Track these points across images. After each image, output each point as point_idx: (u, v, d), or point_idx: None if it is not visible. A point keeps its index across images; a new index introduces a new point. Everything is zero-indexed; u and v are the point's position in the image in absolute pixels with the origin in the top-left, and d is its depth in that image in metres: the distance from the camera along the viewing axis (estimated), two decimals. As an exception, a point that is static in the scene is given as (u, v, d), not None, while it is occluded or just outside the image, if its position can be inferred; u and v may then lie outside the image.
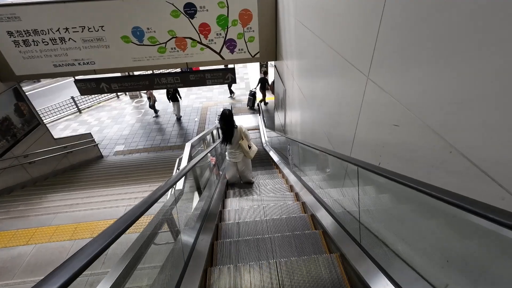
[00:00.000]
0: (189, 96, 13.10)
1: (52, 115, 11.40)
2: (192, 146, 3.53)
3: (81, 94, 7.30)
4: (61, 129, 10.96)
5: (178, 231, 2.13)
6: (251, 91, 11.58)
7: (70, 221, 3.85)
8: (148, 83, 7.23)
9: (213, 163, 4.03)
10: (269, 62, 13.74)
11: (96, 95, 12.72)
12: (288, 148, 4.22)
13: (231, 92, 12.69)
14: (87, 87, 7.12)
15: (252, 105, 11.46)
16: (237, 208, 3.24)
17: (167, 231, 2.02)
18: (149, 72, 6.60)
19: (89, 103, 12.61)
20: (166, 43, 5.43)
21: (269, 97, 12.41)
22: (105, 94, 13.08)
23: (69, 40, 5.17)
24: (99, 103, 12.89)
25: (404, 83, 1.34)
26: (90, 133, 8.58)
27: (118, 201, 4.33)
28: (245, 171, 4.20)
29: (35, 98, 13.80)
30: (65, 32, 5.07)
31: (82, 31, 5.10)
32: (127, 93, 13.34)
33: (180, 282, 1.65)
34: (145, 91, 10.37)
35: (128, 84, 7.15)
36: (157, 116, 11.36)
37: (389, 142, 1.55)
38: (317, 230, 2.42)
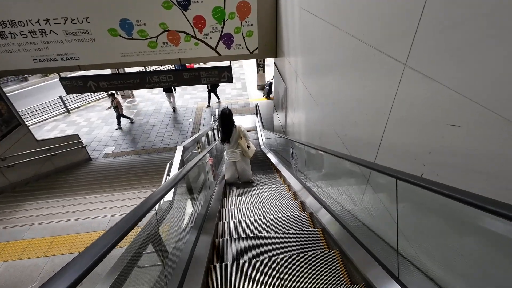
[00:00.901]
0: (184, 96, 12.66)
1: (39, 115, 10.85)
2: (185, 149, 3.13)
3: (67, 93, 6.81)
4: (48, 130, 10.42)
5: (166, 251, 1.75)
6: (268, 81, 11.87)
7: (46, 233, 3.40)
8: (139, 82, 6.81)
9: (211, 163, 3.66)
10: (266, 60, 13.38)
11: (86, 95, 12.19)
12: (291, 152, 3.85)
13: (217, 97, 11.65)
14: (74, 86, 6.67)
15: (267, 96, 11.87)
16: (235, 220, 2.84)
17: (153, 252, 1.64)
18: (141, 68, 6.17)
19: (79, 103, 12.08)
20: (157, 37, 5.02)
21: (266, 98, 12.05)
22: (96, 94, 12.55)
23: (50, 32, 4.72)
24: (89, 103, 12.36)
25: (472, 68, 0.97)
26: (77, 134, 8.09)
27: (102, 211, 3.90)
28: (244, 171, 4.19)
29: (22, 97, 13.22)
30: (45, 23, 4.62)
31: (64, 23, 4.66)
32: (118, 92, 12.83)
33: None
34: (112, 99, 9.32)
35: (118, 82, 6.71)
36: (132, 122, 10.61)
37: (440, 147, 1.17)
38: (338, 260, 2.04)
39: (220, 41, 5.20)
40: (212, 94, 11.31)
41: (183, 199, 2.91)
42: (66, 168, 7.15)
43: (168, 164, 3.39)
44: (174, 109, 11.31)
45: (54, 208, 4.17)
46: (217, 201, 3.31)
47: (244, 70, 15.46)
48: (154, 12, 4.74)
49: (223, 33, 5.12)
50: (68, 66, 5.14)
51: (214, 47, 5.26)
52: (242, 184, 4.39)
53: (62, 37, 4.79)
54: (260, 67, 12.22)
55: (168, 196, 2.40)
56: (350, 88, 2.04)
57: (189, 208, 2.92)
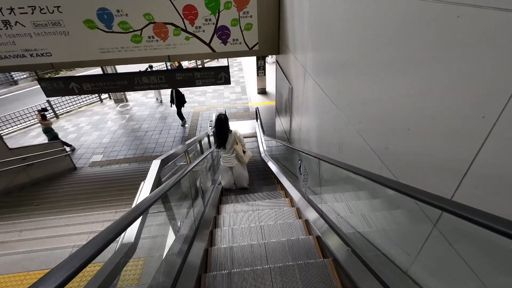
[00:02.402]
0: (180, 100, 11.98)
1: (24, 121, 10.16)
2: (164, 163, 2.41)
3: (47, 96, 6.14)
4: (33, 136, 9.73)
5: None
6: None
7: (-12, 271, 2.66)
8: (127, 83, 6.14)
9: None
10: (267, 61, 12.71)
11: (77, 99, 11.52)
12: (298, 164, 3.12)
13: (182, 117, 9.73)
14: (54, 88, 6.02)
15: None
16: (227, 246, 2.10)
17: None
18: (129, 70, 5.50)
19: (69, 108, 11.40)
20: (141, 30, 4.34)
21: (267, 102, 11.38)
22: (87, 98, 11.90)
23: (15, 24, 4.05)
24: (79, 108, 11.69)
25: None
26: (60, 141, 7.38)
27: (67, 239, 3.16)
28: (240, 176, 4.17)
29: (9, 102, 12.56)
30: (9, 13, 3.95)
31: (32, 13, 3.99)
32: (111, 96, 12.18)
33: None
34: (39, 118, 7.48)
35: (103, 84, 6.04)
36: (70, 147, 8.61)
37: None
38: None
39: (215, 35, 4.53)
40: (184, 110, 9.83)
41: (158, 233, 2.20)
42: (44, 179, 6.42)
43: (142, 184, 2.66)
44: (161, 101, 11.31)
45: (10, 233, 3.44)
46: (208, 225, 2.59)
47: (244, 73, 14.83)
48: (138, 0, 4.08)
49: (218, 25, 4.44)
50: (39, 64, 4.46)
51: (207, 42, 4.58)
52: (238, 195, 3.73)
53: (30, 29, 4.11)
54: (261, 69, 11.56)
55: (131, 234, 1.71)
56: (404, 75, 1.33)
57: (170, 239, 2.23)
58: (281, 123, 5.48)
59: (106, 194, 5.26)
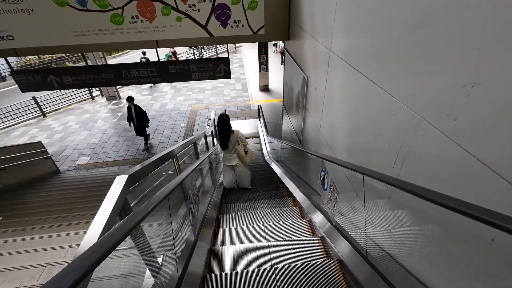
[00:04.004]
0: (176, 98, 11.24)
1: (7, 119, 9.38)
2: (133, 181, 1.63)
3: (22, 91, 5.36)
4: (16, 136, 8.97)
5: None
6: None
7: None
8: (113, 77, 5.40)
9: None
10: (275, 47, 11.80)
11: (66, 95, 10.74)
12: (321, 177, 2.35)
13: (146, 142, 7.80)
14: (29, 81, 5.27)
15: None
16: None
17: None
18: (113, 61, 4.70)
19: (58, 105, 10.62)
20: (123, 8, 3.56)
21: (269, 100, 10.61)
22: (78, 95, 11.12)
23: (-35, -2, 3.28)
24: (69, 105, 10.92)
25: None
26: (40, 142, 6.61)
27: (10, 275, 2.39)
28: (242, 176, 4.19)
29: (-5, 99, 11.78)
30: (-43, -15, 3.18)
31: (-15, -15, 3.22)
32: (103, 93, 11.41)
33: None
34: None
35: (86, 77, 5.30)
36: None
37: None
38: None
39: (212, 15, 3.75)
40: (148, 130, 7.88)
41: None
42: (18, 186, 5.65)
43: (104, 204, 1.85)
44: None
45: None
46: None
47: (245, 69, 14.06)
48: (117, -30, 3.31)
49: (216, 3, 3.66)
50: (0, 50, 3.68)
51: (203, 24, 3.80)
52: (240, 213, 2.98)
53: (-16, 6, 3.34)
54: (263, 65, 10.79)
55: None
56: None
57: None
58: (290, 122, 4.71)
59: (86, 203, 4.49)
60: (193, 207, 2.07)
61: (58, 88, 5.53)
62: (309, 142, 3.39)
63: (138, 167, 1.58)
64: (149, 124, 7.57)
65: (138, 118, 7.17)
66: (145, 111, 7.32)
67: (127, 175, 1.53)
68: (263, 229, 2.54)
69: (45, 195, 5.21)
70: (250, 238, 2.44)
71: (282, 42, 4.67)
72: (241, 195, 3.97)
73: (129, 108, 7.13)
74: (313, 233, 2.41)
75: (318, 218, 2.44)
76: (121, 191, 1.42)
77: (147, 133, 7.75)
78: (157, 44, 3.88)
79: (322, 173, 2.35)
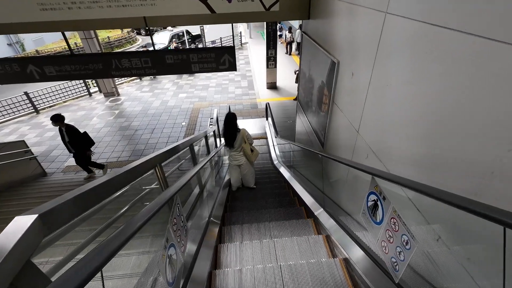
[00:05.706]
0: (178, 95, 10.52)
1: (-2, 115, 8.78)
2: (48, 223, 0.82)
3: (0, 83, 4.70)
4: (5, 134, 8.34)
5: None
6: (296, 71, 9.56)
7: None
8: (102, 67, 4.70)
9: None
10: (278, 55, 10.69)
11: (62, 91, 10.10)
12: (370, 201, 1.55)
13: (95, 166, 5.97)
14: (7, 72, 4.62)
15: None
16: None
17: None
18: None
19: (52, 101, 9.99)
20: (102, -26, 2.82)
21: (278, 98, 9.81)
22: (74, 90, 10.47)
23: None
24: (64, 102, 10.28)
25: None
26: (23, 140, 5.93)
27: None
28: (247, 174, 4.26)
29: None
30: None
31: None
32: (101, 89, 10.73)
33: None
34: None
35: (71, 68, 4.62)
36: None
37: None
38: None
39: (214, -14, 2.98)
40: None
41: None
42: (-5, 190, 4.96)
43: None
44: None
45: None
46: None
47: (251, 66, 13.28)
48: None
49: (219, -30, 2.90)
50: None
51: (203, -3, 3.04)
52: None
53: None
54: (271, 60, 10.01)
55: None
56: None
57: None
58: (306, 121, 3.91)
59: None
60: (175, 254, 1.28)
61: (40, 79, 4.80)
62: (338, 147, 2.59)
63: (48, 206, 0.79)
64: (92, 146, 5.54)
65: (73, 143, 5.16)
66: (85, 132, 5.37)
67: (36, 215, 0.77)
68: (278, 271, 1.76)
69: (17, 203, 4.50)
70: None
71: (300, 21, 3.88)
72: (247, 216, 3.17)
73: (60, 130, 5.09)
74: (347, 274, 1.60)
75: (360, 259, 1.64)
76: (16, 246, 0.66)
77: (91, 160, 5.70)
78: (145, 22, 3.12)
79: (373, 196, 1.55)
